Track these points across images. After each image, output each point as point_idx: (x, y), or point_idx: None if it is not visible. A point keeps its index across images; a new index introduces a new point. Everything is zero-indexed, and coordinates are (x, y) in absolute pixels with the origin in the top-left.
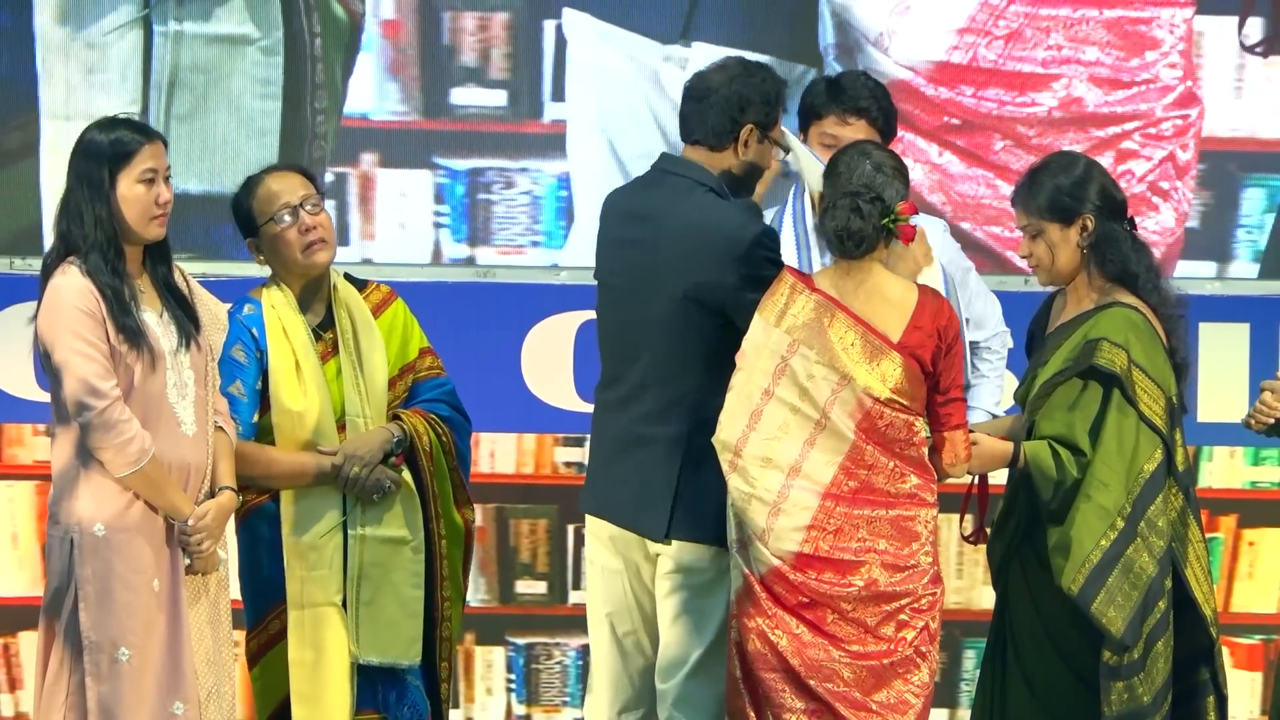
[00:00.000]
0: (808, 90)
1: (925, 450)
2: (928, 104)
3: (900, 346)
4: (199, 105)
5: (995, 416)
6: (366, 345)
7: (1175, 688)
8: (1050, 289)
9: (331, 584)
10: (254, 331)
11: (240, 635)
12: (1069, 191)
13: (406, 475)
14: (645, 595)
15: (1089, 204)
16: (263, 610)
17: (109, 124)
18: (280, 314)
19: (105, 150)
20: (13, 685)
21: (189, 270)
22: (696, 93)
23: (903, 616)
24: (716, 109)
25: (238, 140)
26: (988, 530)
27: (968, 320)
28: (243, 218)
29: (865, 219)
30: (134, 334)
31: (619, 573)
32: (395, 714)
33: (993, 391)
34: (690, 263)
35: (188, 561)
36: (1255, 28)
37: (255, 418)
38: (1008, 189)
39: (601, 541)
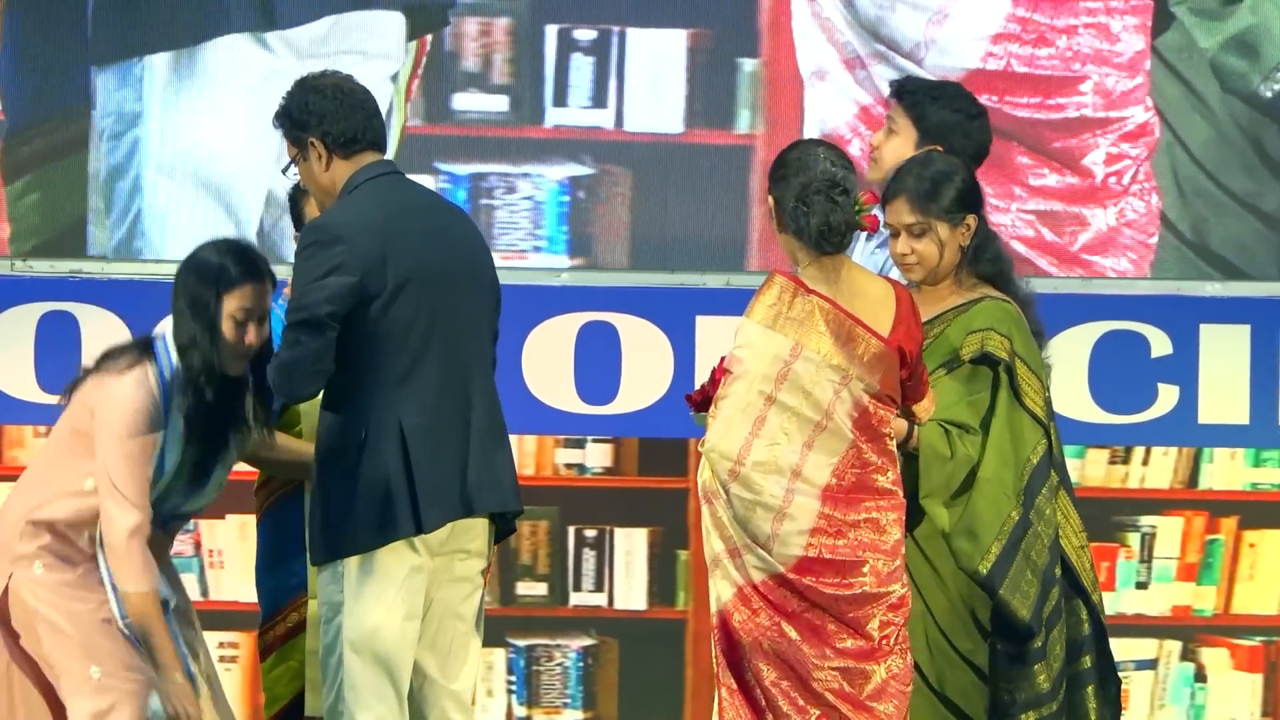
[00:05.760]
0: None
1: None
2: None
3: (890, 340)
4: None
5: None
6: None
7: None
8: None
9: None
10: None
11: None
12: (966, 191)
13: None
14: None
15: (977, 203)
16: (284, 601)
17: (225, 248)
18: None
19: (211, 273)
20: None
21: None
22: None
23: (883, 616)
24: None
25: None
26: None
27: None
28: None
29: (843, 211)
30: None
31: (424, 573)
32: None
33: None
34: (485, 251)
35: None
36: None
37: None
38: (1025, 196)
39: (417, 549)
